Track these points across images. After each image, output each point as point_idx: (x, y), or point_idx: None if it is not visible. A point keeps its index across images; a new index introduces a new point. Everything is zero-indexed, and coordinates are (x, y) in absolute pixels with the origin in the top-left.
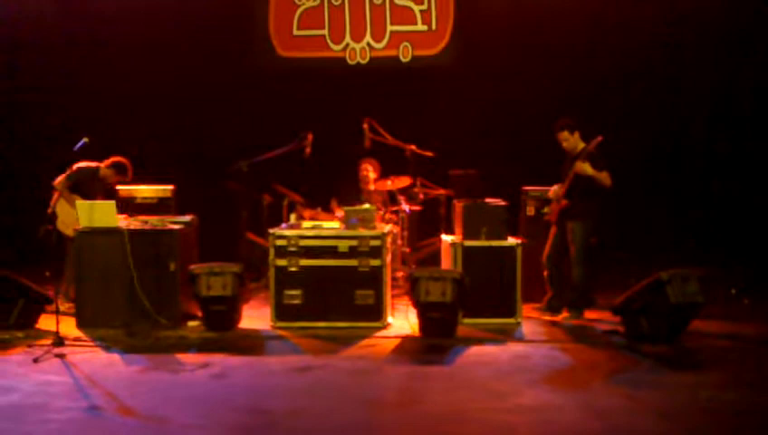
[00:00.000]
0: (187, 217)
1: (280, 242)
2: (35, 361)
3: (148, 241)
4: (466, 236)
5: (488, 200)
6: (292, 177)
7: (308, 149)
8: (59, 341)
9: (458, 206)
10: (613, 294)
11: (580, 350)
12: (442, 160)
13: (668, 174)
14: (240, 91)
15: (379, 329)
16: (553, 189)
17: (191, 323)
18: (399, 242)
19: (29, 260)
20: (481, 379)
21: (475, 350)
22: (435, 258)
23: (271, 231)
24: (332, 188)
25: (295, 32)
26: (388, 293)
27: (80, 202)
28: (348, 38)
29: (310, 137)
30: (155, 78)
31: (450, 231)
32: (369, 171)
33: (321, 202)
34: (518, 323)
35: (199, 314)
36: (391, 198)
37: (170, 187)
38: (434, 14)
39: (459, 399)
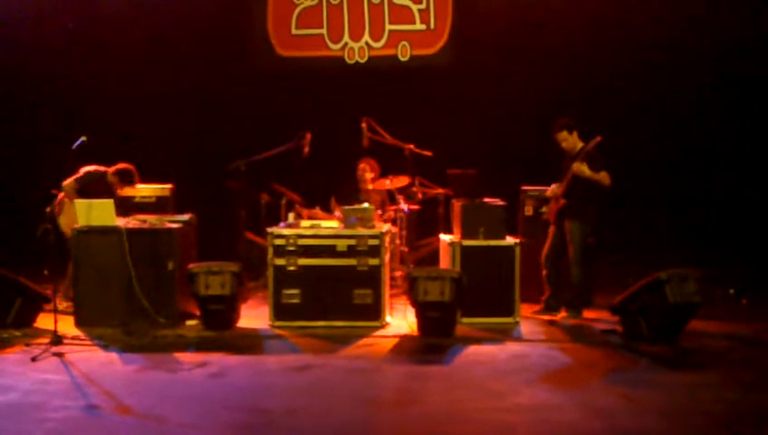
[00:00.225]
0: (186, 216)
1: (278, 241)
2: (33, 359)
3: (146, 240)
4: (465, 235)
5: (486, 200)
6: (291, 176)
7: (306, 149)
8: (57, 339)
9: (457, 205)
10: (612, 294)
11: (579, 349)
12: (440, 160)
13: (667, 174)
14: (238, 90)
15: (377, 328)
16: (552, 189)
17: (189, 323)
18: (398, 241)
19: (27, 259)
20: (479, 378)
21: (473, 349)
22: (433, 258)
23: (269, 230)
24: (331, 187)
25: (294, 31)
26: (387, 292)
27: (78, 201)
28: (346, 37)
29: (308, 136)
30: (154, 77)
31: (449, 231)
32: (367, 171)
33: (319, 201)
34: (516, 323)
35: (197, 313)
36: (390, 197)
37: (169, 186)
38: (432, 14)
39: (457, 398)
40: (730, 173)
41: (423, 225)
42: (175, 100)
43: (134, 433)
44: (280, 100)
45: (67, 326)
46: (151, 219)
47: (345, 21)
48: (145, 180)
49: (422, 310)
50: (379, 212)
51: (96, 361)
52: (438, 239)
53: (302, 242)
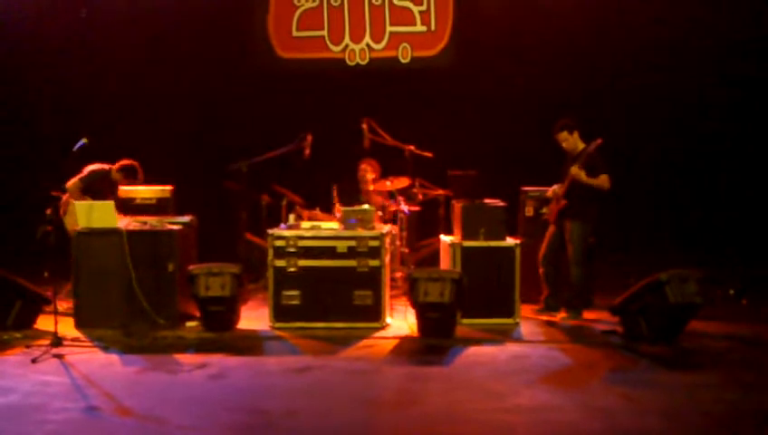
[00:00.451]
0: (186, 218)
1: (279, 242)
2: (34, 361)
3: (146, 242)
4: (465, 236)
5: (487, 201)
6: (292, 177)
7: (307, 150)
8: (57, 341)
9: (457, 206)
10: (612, 295)
11: (579, 350)
12: (441, 161)
13: (668, 174)
14: (239, 91)
15: (377, 329)
16: (553, 189)
17: (189, 324)
18: (398, 242)
19: (27, 261)
20: (479, 379)
21: (473, 350)
22: (433, 259)
23: (270, 232)
24: (331, 188)
25: (295, 33)
26: (387, 293)
27: (79, 202)
28: (347, 39)
29: (309, 137)
30: (155, 78)
31: (449, 231)
32: (368, 172)
33: (320, 203)
34: (516, 324)
35: (198, 314)
36: (390, 198)
37: (169, 187)
38: (433, 15)
39: (458, 399)
40: (731, 173)
41: (423, 226)
42: (176, 101)
43: (134, 434)
44: (281, 101)
45: (67, 328)
46: (152, 221)
47: (346, 22)
48: (145, 182)
49: (422, 311)
50: (380, 213)
51: (96, 362)
52: (439, 240)
53: (302, 243)
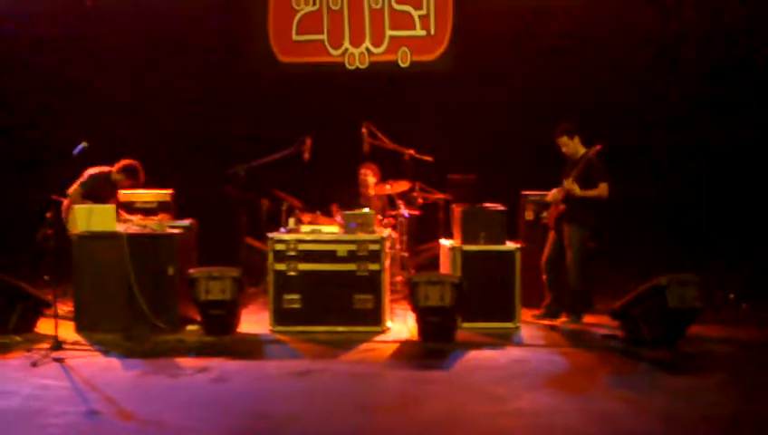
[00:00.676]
0: (186, 222)
1: (279, 246)
2: (34, 365)
3: (146, 245)
4: (465, 240)
5: (487, 205)
6: (292, 181)
7: (307, 154)
8: (57, 345)
9: (457, 210)
10: (612, 299)
11: (579, 354)
12: (441, 165)
13: (668, 178)
14: (239, 95)
15: (377, 333)
16: (552, 193)
17: (190, 328)
18: (398, 246)
19: (28, 264)
20: (480, 383)
21: (473, 354)
22: (434, 263)
23: (270, 235)
24: (331, 192)
25: (294, 37)
26: (387, 297)
27: (78, 206)
28: (347, 43)
29: (309, 141)
30: (154, 83)
31: (449, 236)
32: (369, 176)
33: (320, 207)
34: (517, 328)
35: (198, 318)
36: (390, 202)
37: (169, 191)
38: (433, 20)
39: (458, 403)
40: (731, 177)
41: (423, 230)
42: (175, 105)
43: None
44: (280, 105)
45: (67, 332)
46: (152, 224)
47: (345, 27)
48: (146, 186)
49: (423, 315)
50: (380, 217)
51: (97, 366)
52: (439, 244)
53: (302, 247)
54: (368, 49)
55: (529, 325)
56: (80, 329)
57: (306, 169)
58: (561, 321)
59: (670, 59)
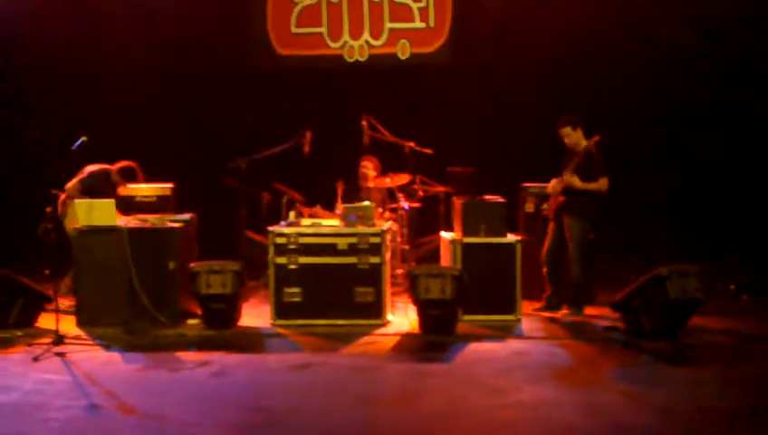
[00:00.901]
0: (187, 216)
1: (279, 240)
2: (35, 359)
3: (147, 240)
4: (466, 233)
5: (487, 197)
6: (292, 174)
7: (307, 147)
8: (59, 339)
9: (457, 203)
10: (613, 291)
11: (580, 346)
12: (441, 157)
13: (669, 170)
14: (238, 88)
15: (378, 326)
16: (551, 184)
17: (191, 322)
18: (399, 239)
19: (28, 259)
20: (480, 376)
21: (474, 347)
22: (434, 255)
23: (270, 229)
24: (331, 185)
25: (293, 29)
26: (388, 290)
27: (78, 201)
28: (346, 36)
29: (308, 135)
30: (153, 76)
31: (449, 228)
32: (369, 169)
33: (320, 199)
34: (518, 320)
35: (199, 312)
36: (390, 195)
37: (169, 185)
38: (432, 12)
39: (459, 395)
40: (732, 169)
41: (424, 222)
42: (175, 98)
43: (136, 432)
44: (280, 98)
45: (69, 326)
46: (152, 219)
47: (345, 19)
48: (146, 180)
49: (423, 308)
50: (380, 210)
51: (98, 360)
52: (439, 237)
53: (302, 240)
54: (367, 41)
55: (529, 318)
56: (81, 323)
57: (306, 162)
58: (562, 313)
59: (670, 53)
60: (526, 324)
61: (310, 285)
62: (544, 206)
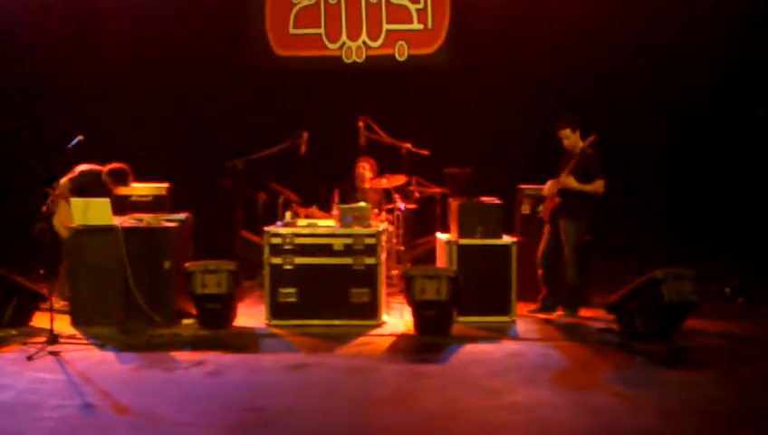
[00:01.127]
0: (182, 215)
1: (275, 240)
2: (29, 358)
3: (142, 239)
4: (462, 234)
5: (483, 199)
6: (288, 175)
7: (303, 148)
8: (53, 338)
9: (453, 204)
10: (608, 293)
11: (575, 348)
12: (437, 159)
13: (665, 171)
14: (236, 89)
15: (373, 327)
16: (547, 186)
17: (186, 321)
18: (395, 240)
19: (23, 258)
20: (475, 377)
21: (469, 348)
22: (430, 257)
23: (266, 229)
24: (328, 186)
25: (291, 30)
26: (383, 291)
27: (74, 200)
28: (344, 37)
29: (305, 135)
30: (151, 76)
31: (445, 229)
32: (366, 169)
33: (316, 200)
34: (513, 322)
35: (194, 311)
36: (387, 196)
37: (165, 185)
38: (430, 13)
39: (454, 397)
40: (729, 171)
41: (420, 224)
42: (172, 98)
43: (130, 432)
44: (277, 99)
45: (63, 325)
46: (148, 218)
47: (343, 20)
48: (142, 179)
49: (419, 309)
50: (377, 211)
51: (92, 360)
52: (435, 238)
53: (298, 241)
54: (365, 43)
55: (525, 319)
56: (75, 323)
57: (303, 162)
58: (557, 315)
59: (670, 53)
60: (521, 326)
61: (305, 286)
62: (540, 208)
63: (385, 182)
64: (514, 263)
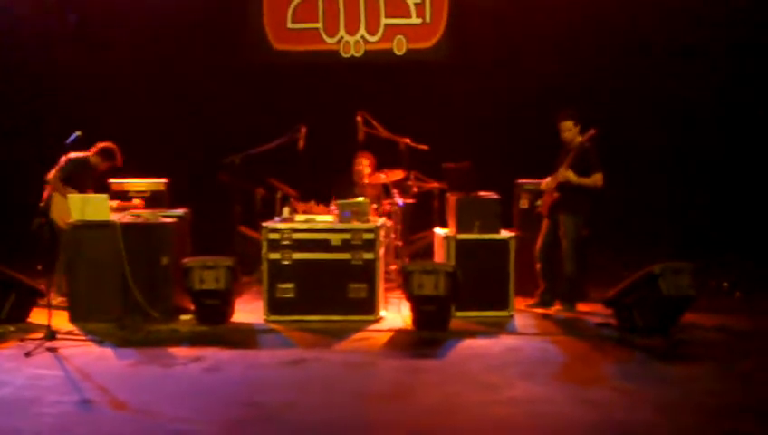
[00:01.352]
0: (180, 211)
1: (273, 235)
2: (27, 354)
3: (140, 235)
4: (460, 229)
5: (481, 193)
6: (286, 170)
7: (301, 143)
8: (51, 334)
9: (452, 199)
10: (606, 287)
11: (573, 343)
12: (436, 153)
13: (663, 167)
14: (234, 83)
15: (371, 322)
16: (546, 181)
17: (183, 317)
18: (393, 235)
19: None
20: (474, 372)
21: (467, 343)
22: (428, 252)
23: (264, 224)
24: (325, 180)
25: (289, 25)
26: (382, 286)
27: (72, 196)
28: (342, 31)
29: (303, 130)
30: (148, 71)
31: (443, 224)
32: (364, 165)
33: (314, 195)
34: (511, 317)
35: (192, 307)
36: (385, 191)
37: (163, 180)
38: (428, 7)
39: (452, 392)
40: (727, 167)
41: (418, 219)
42: (170, 93)
43: (128, 428)
44: (275, 94)
45: (61, 321)
46: (146, 214)
47: (341, 15)
48: (140, 175)
49: (417, 304)
50: (375, 206)
51: (90, 356)
52: (433, 233)
53: (296, 236)
54: (363, 37)
55: (523, 314)
56: (73, 319)
57: (301, 157)
58: (555, 309)
59: (670, 53)
60: (519, 321)
61: (303, 281)
62: (539, 202)
63: (383, 177)
64: (512, 257)
